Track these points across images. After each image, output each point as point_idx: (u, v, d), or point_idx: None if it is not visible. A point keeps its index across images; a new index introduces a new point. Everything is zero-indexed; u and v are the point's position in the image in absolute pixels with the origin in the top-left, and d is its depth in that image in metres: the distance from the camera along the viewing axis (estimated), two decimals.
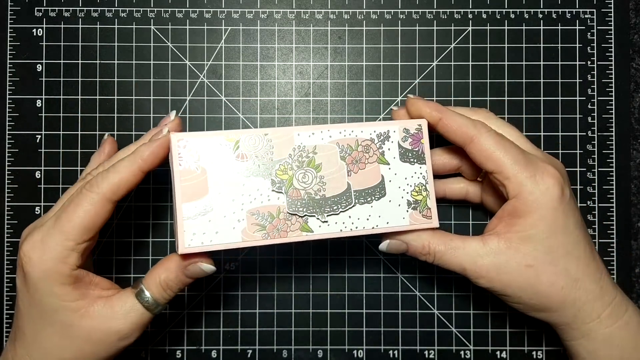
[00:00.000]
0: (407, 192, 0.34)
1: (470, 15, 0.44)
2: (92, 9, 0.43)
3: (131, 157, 0.32)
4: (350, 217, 0.33)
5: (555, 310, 0.33)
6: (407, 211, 0.34)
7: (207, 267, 0.33)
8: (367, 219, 0.34)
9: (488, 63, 0.44)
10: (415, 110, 0.35)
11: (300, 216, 0.33)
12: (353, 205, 0.33)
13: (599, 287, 0.33)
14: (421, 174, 0.34)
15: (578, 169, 0.43)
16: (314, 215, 0.33)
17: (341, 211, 0.33)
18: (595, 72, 0.44)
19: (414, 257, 0.35)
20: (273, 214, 0.32)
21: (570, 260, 0.33)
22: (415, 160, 0.35)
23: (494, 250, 0.33)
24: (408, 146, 0.35)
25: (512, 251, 0.33)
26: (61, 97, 0.43)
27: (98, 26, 0.43)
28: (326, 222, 0.33)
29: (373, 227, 0.33)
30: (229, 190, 0.32)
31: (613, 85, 0.43)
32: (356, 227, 0.33)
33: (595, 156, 0.43)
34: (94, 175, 0.33)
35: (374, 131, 0.34)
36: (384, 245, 0.35)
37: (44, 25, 0.43)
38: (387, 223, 0.34)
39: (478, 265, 0.33)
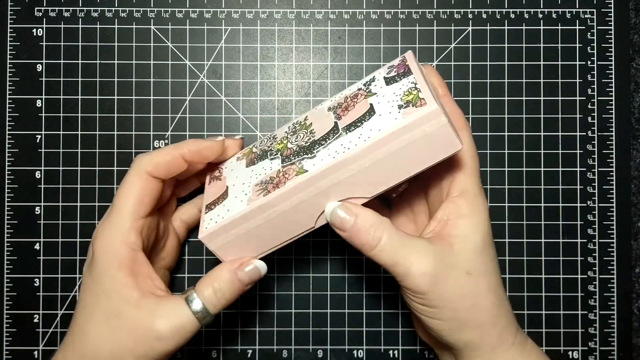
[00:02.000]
0: (398, 98, 0.31)
1: (470, 15, 0.44)
2: (92, 9, 0.43)
3: (179, 143, 0.35)
4: (342, 144, 0.31)
5: (486, 327, 0.31)
6: (399, 112, 0.30)
7: (261, 263, 0.33)
8: (359, 137, 0.31)
9: (488, 63, 0.44)
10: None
11: (292, 163, 0.32)
12: (340, 135, 0.32)
13: (511, 311, 0.33)
14: (410, 81, 0.32)
15: (578, 169, 0.43)
16: (304, 157, 0.32)
17: (330, 142, 0.32)
18: (595, 72, 0.44)
19: (352, 240, 0.31)
20: (273, 176, 0.33)
21: (496, 276, 0.32)
22: (402, 77, 0.32)
23: (439, 252, 0.31)
24: (393, 73, 0.33)
25: (455, 256, 0.31)
26: (61, 97, 0.43)
27: (98, 26, 0.43)
28: (314, 156, 0.31)
29: (365, 140, 0.30)
30: (241, 179, 0.35)
31: (613, 85, 0.43)
32: (348, 149, 0.30)
33: (595, 156, 0.43)
34: None
35: (361, 82, 0.35)
36: (328, 210, 0.31)
37: (44, 25, 0.43)
38: (380, 130, 0.30)
39: (425, 263, 0.30)
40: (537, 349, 0.33)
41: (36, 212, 0.43)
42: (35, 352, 0.42)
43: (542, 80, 0.44)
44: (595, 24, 0.44)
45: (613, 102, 0.43)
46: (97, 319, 0.32)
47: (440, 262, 0.30)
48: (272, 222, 0.32)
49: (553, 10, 0.44)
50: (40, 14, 0.43)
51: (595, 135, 0.43)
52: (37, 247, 0.43)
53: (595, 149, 0.43)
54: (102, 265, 0.32)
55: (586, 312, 0.43)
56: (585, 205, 0.43)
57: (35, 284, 0.43)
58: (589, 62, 0.44)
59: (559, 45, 0.44)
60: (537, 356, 0.33)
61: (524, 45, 0.44)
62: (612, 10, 0.44)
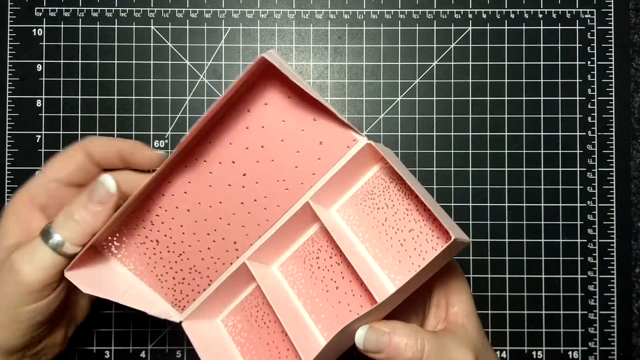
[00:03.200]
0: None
1: (470, 15, 0.44)
2: (92, 9, 0.43)
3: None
4: None
5: None
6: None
7: (106, 177, 0.30)
8: None
9: (488, 63, 0.44)
10: None
11: None
12: None
13: None
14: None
15: (578, 169, 0.43)
16: None
17: None
18: (595, 72, 0.44)
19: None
20: None
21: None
22: None
23: (465, 338, 0.31)
24: None
25: (471, 333, 0.32)
26: (61, 97, 0.43)
27: (98, 26, 0.43)
28: None
29: None
30: None
31: (613, 85, 0.43)
32: None
33: (595, 156, 0.43)
34: None
35: None
36: (359, 339, 0.29)
37: (44, 25, 0.43)
38: None
39: (467, 355, 0.30)
40: None
41: None
42: None
43: (542, 80, 0.44)
44: (595, 24, 0.44)
45: (613, 102, 0.43)
46: None
47: (472, 346, 0.31)
48: None
49: (553, 10, 0.44)
50: (40, 14, 0.43)
51: (595, 135, 0.43)
52: None
53: (595, 149, 0.43)
54: (15, 202, 0.33)
55: (586, 312, 0.43)
56: (585, 205, 0.43)
57: None
58: (589, 62, 0.44)
59: (559, 45, 0.44)
60: None
61: (524, 45, 0.44)
62: (612, 10, 0.44)
